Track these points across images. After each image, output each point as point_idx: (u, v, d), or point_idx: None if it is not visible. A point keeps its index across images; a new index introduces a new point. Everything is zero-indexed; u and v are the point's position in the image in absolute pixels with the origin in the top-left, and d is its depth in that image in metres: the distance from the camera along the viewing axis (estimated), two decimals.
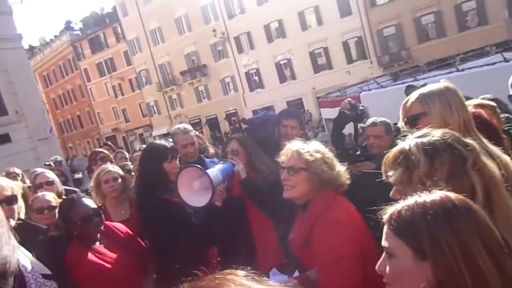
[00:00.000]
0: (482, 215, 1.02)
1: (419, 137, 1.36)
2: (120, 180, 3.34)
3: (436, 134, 1.35)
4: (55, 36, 51.66)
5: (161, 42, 40.28)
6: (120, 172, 3.40)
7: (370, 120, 3.62)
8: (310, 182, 1.94)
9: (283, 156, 2.04)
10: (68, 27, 51.27)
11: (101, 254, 2.48)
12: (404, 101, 1.78)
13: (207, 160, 3.41)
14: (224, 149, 3.15)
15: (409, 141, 1.36)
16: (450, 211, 0.99)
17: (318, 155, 1.96)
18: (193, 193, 2.53)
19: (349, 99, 3.99)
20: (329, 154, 2.00)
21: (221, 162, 2.94)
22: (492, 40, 20.74)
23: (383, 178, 1.43)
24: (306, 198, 1.98)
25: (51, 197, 3.02)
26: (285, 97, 33.35)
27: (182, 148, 3.34)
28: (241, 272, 0.73)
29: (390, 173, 1.38)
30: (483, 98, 3.40)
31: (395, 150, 1.38)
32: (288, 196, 2.02)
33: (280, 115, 3.50)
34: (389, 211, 1.07)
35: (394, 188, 1.39)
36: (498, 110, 2.80)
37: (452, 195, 1.04)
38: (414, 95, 1.76)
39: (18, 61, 14.40)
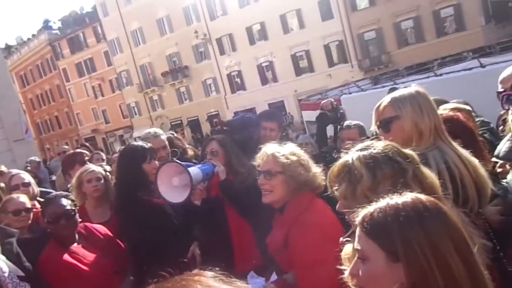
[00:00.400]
0: (452, 216, 1.03)
1: (361, 150, 1.39)
2: (103, 180, 3.29)
3: (377, 146, 1.38)
4: (33, 35, 50.61)
5: (142, 42, 39.90)
6: (103, 172, 3.35)
7: (344, 123, 3.67)
8: (287, 185, 1.94)
9: (259, 160, 2.04)
10: (46, 26, 50.22)
11: (78, 255, 2.47)
12: (377, 105, 1.81)
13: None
14: (204, 149, 3.14)
15: (351, 155, 1.38)
16: (422, 213, 1.00)
17: (294, 158, 1.96)
18: (171, 189, 2.52)
19: (331, 99, 4.05)
20: (305, 156, 2.01)
21: (202, 162, 2.93)
22: (469, 46, 21.21)
23: (329, 192, 1.45)
24: (283, 201, 1.99)
25: (25, 199, 2.96)
26: (266, 99, 33.42)
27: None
28: (208, 273, 0.71)
29: (335, 187, 1.40)
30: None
31: (338, 164, 1.40)
32: (267, 201, 2.02)
33: (260, 117, 3.51)
34: (362, 213, 1.07)
35: (339, 202, 1.41)
36: (473, 113, 2.87)
37: (422, 197, 1.05)
38: (386, 99, 1.78)
39: None
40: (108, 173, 3.68)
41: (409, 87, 1.78)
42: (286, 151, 2.00)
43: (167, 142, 3.39)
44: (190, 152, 4.12)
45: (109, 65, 43.20)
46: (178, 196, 2.50)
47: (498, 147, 1.86)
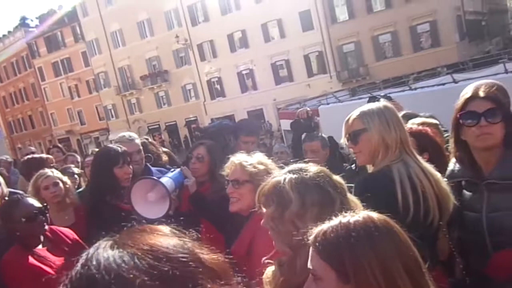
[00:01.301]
0: (403, 235, 1.03)
1: (293, 172, 1.40)
2: (61, 184, 3.17)
3: (310, 171, 1.39)
4: (9, 32, 49.42)
5: (122, 45, 39.47)
6: (60, 176, 3.24)
7: (306, 136, 3.75)
8: (255, 193, 1.96)
9: (227, 169, 2.07)
10: (23, 23, 49.13)
11: (43, 258, 2.40)
12: (347, 118, 1.87)
13: (153, 168, 3.37)
14: (191, 152, 3.09)
15: (284, 176, 1.39)
16: (372, 233, 0.99)
17: (261, 167, 1.99)
18: (148, 205, 2.49)
19: (307, 108, 4.12)
20: (272, 165, 2.03)
21: (172, 170, 2.90)
22: (443, 61, 21.85)
23: (256, 208, 1.46)
24: (250, 209, 2.00)
25: None
26: (246, 106, 33.51)
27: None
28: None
29: (263, 206, 1.41)
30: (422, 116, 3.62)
31: (270, 183, 1.41)
32: (233, 209, 2.04)
33: (239, 130, 3.49)
34: (315, 231, 1.05)
35: (264, 219, 1.40)
36: (440, 127, 2.96)
37: (374, 215, 1.05)
38: (355, 113, 1.85)
39: None
40: (76, 176, 3.59)
41: (378, 102, 1.85)
42: (254, 160, 2.03)
43: (141, 147, 3.36)
44: (164, 158, 4.08)
45: (86, 66, 42.51)
46: (157, 211, 2.48)
47: (449, 168, 1.95)
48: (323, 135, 3.67)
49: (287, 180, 1.37)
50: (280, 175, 1.41)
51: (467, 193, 1.82)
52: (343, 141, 1.94)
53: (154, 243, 0.67)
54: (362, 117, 1.80)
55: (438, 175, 1.75)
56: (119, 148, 2.91)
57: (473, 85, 2.13)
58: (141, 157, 3.32)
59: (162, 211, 2.45)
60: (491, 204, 1.72)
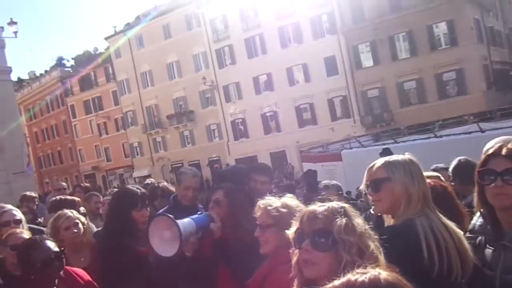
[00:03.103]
0: None
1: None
2: (80, 225, 3.15)
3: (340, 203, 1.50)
4: (46, 71, 52.00)
5: (151, 85, 40.84)
6: (79, 216, 3.25)
7: (323, 183, 3.81)
8: (280, 236, 1.94)
9: (257, 212, 2.08)
10: (59, 63, 51.75)
11: None
12: (370, 166, 1.88)
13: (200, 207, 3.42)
14: (209, 196, 3.03)
15: (336, 204, 1.46)
16: None
17: (285, 210, 1.97)
18: (163, 242, 2.49)
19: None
20: (299, 207, 1.96)
21: (200, 212, 2.87)
22: (470, 110, 21.65)
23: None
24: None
25: (28, 236, 2.92)
26: (268, 148, 33.65)
27: (184, 189, 3.38)
28: None
29: (325, 221, 1.40)
30: (436, 168, 3.58)
31: (323, 208, 1.44)
32: (263, 251, 2.04)
33: (251, 170, 3.50)
34: None
35: (337, 231, 1.37)
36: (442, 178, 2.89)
37: (383, 275, 1.02)
38: (380, 161, 1.85)
39: (4, 94, 14.42)
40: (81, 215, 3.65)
41: (403, 154, 1.86)
42: (279, 203, 2.03)
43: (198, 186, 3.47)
44: None
45: (116, 105, 43.99)
46: (169, 249, 2.48)
47: (472, 222, 1.90)
48: (337, 183, 3.75)
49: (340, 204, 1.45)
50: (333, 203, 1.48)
51: (488, 249, 1.77)
52: (362, 187, 1.94)
53: None
54: (387, 166, 1.81)
55: (460, 232, 1.72)
56: (138, 191, 2.91)
57: (499, 140, 2.09)
58: (195, 195, 3.42)
59: (172, 251, 2.43)
60: (506, 265, 1.66)
